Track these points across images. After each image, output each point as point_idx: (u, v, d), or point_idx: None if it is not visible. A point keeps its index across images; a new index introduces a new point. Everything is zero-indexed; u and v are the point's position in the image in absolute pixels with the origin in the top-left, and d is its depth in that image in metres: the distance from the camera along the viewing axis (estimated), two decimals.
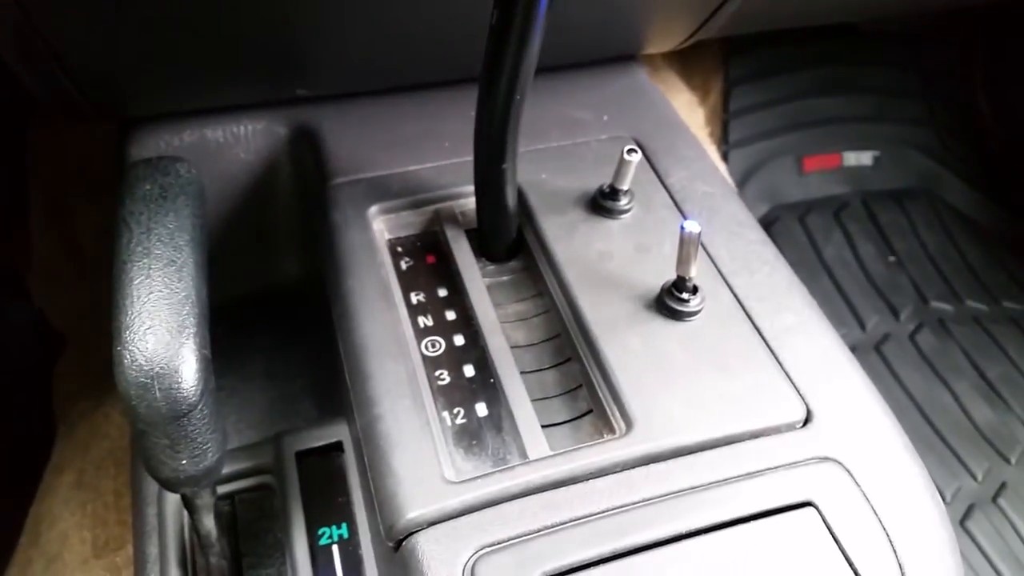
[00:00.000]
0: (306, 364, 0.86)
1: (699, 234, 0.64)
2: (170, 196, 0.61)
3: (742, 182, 1.57)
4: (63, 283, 1.27)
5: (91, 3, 0.66)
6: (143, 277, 0.55)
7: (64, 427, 1.07)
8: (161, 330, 0.53)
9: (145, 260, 0.56)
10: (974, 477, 1.27)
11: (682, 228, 0.64)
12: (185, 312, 0.55)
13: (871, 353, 1.41)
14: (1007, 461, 1.29)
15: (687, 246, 0.65)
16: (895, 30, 1.67)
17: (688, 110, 1.41)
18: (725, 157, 1.57)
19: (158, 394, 0.52)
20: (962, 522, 1.22)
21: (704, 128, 1.42)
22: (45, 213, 1.30)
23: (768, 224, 1.56)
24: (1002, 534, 1.21)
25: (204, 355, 0.55)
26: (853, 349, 1.37)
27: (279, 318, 0.89)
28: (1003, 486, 1.26)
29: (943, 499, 1.23)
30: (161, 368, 0.52)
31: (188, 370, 0.53)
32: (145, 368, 0.52)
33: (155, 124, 0.85)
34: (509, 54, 0.60)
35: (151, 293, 0.55)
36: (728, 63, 1.61)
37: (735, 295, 0.71)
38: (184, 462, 0.56)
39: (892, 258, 1.54)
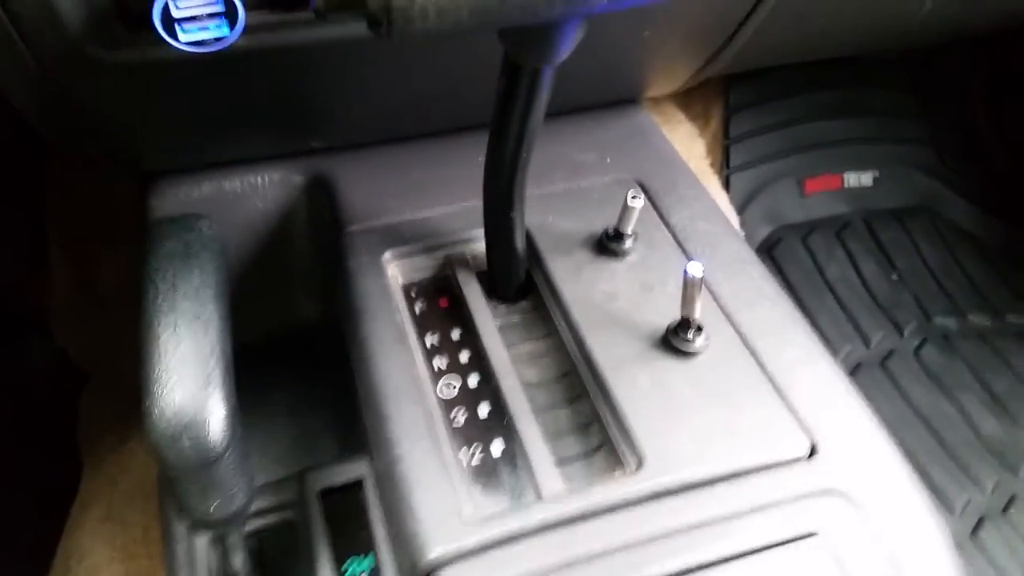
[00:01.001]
0: (327, 401, 0.87)
1: (702, 278, 0.66)
2: (193, 252, 0.63)
3: (744, 205, 1.57)
4: (84, 321, 1.29)
5: (111, 71, 0.68)
6: (170, 332, 0.57)
7: (90, 462, 1.08)
8: (188, 383, 0.55)
9: (171, 315, 0.58)
10: (983, 490, 1.27)
11: (685, 272, 0.66)
12: (211, 365, 0.57)
13: (876, 369, 1.40)
14: (1015, 474, 1.29)
15: (690, 288, 0.67)
16: (894, 53, 1.67)
17: (689, 141, 1.42)
18: (727, 181, 1.57)
19: (186, 443, 0.54)
20: (973, 535, 1.23)
21: (705, 159, 1.43)
22: (65, 251, 1.32)
23: (771, 245, 1.56)
24: (1013, 546, 1.21)
25: (230, 405, 0.57)
26: (858, 366, 1.38)
27: (300, 357, 0.91)
28: (1013, 499, 1.26)
29: (952, 513, 1.24)
30: (189, 420, 0.54)
31: (215, 421, 0.55)
32: (174, 421, 0.54)
33: (174, 176, 0.87)
34: (515, 118, 0.62)
35: (178, 347, 0.57)
36: (729, 90, 1.61)
37: (738, 331, 0.73)
38: (214, 506, 0.59)
39: (895, 275, 1.54)
